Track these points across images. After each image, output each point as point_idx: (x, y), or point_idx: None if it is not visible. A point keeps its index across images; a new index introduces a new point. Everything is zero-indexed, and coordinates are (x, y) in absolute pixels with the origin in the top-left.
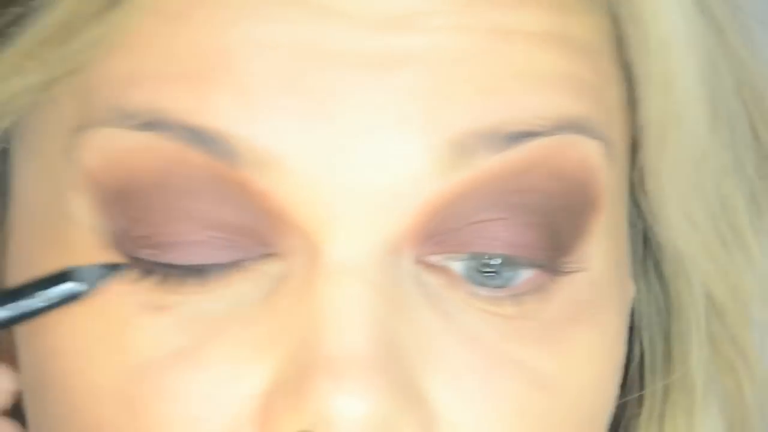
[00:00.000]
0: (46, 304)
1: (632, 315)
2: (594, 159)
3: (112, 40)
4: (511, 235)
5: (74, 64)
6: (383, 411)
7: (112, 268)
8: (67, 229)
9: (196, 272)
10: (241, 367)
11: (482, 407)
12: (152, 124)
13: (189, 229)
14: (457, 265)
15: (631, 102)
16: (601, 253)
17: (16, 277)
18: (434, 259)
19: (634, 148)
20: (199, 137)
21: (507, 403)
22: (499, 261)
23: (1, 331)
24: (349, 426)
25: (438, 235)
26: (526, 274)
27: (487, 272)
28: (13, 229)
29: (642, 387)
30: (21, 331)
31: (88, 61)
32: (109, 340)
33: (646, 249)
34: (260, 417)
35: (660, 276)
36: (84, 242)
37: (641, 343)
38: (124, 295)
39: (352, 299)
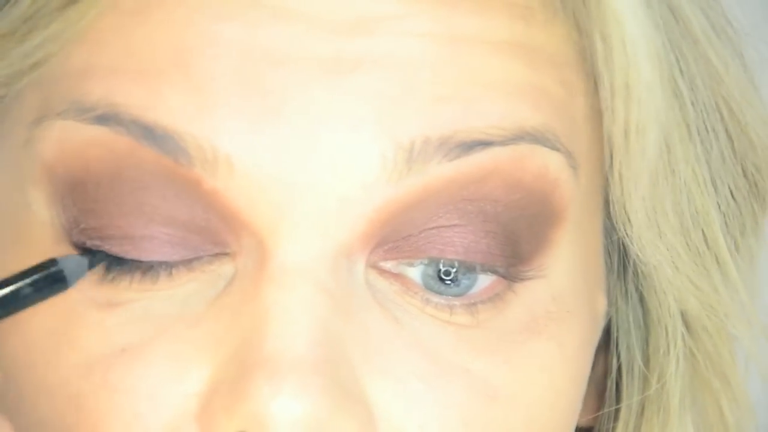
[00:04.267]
0: (31, 291)
1: (610, 328)
2: (555, 170)
3: (72, 35)
4: (466, 241)
5: (35, 59)
6: (319, 413)
7: (95, 257)
8: (26, 222)
9: (145, 269)
10: (183, 366)
11: (428, 413)
12: (106, 118)
13: (139, 223)
14: (413, 272)
15: (600, 113)
16: (565, 264)
17: None
18: (388, 264)
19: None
20: (150, 134)
21: (453, 411)
22: (455, 268)
23: None
24: (283, 428)
25: (392, 241)
26: (483, 282)
27: (445, 280)
28: None
29: (618, 401)
30: None
31: (49, 56)
32: (59, 335)
33: (623, 263)
34: (200, 416)
35: (638, 289)
36: (40, 235)
37: (618, 357)
38: (74, 290)
39: (296, 301)
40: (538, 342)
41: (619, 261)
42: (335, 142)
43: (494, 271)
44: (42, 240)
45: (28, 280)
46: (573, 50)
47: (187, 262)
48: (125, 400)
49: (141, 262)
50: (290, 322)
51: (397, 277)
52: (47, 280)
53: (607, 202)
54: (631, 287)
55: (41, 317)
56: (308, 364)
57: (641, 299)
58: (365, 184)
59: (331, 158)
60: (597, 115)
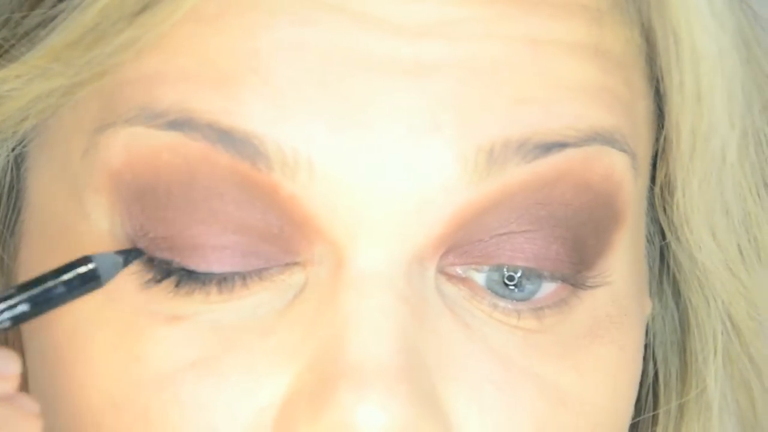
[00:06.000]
0: (64, 290)
1: (646, 333)
2: (620, 172)
3: (143, 44)
4: (535, 247)
5: (102, 68)
6: (405, 421)
7: (129, 255)
8: (84, 231)
9: (216, 281)
10: (259, 378)
11: (501, 420)
12: (179, 123)
13: (212, 233)
14: (479, 277)
15: (655, 117)
16: (623, 267)
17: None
18: (456, 269)
19: (654, 162)
20: (227, 138)
21: (526, 417)
22: (519, 273)
23: (17, 325)
24: None
25: (463, 246)
26: (548, 288)
27: (509, 284)
28: (25, 234)
29: (656, 406)
30: (31, 338)
31: (117, 65)
32: (125, 350)
33: (662, 266)
34: (278, 427)
35: (676, 294)
36: (100, 244)
37: (654, 362)
38: (139, 304)
39: (377, 308)
40: (601, 346)
41: (658, 265)
42: (416, 145)
43: (562, 279)
44: (102, 249)
45: (61, 279)
46: (636, 53)
47: (258, 272)
48: (200, 414)
49: (212, 274)
50: (372, 329)
51: (465, 281)
52: (81, 278)
53: (649, 205)
54: (667, 291)
55: (104, 332)
56: (393, 373)
57: (677, 303)
58: (445, 186)
59: (411, 161)
60: (652, 118)
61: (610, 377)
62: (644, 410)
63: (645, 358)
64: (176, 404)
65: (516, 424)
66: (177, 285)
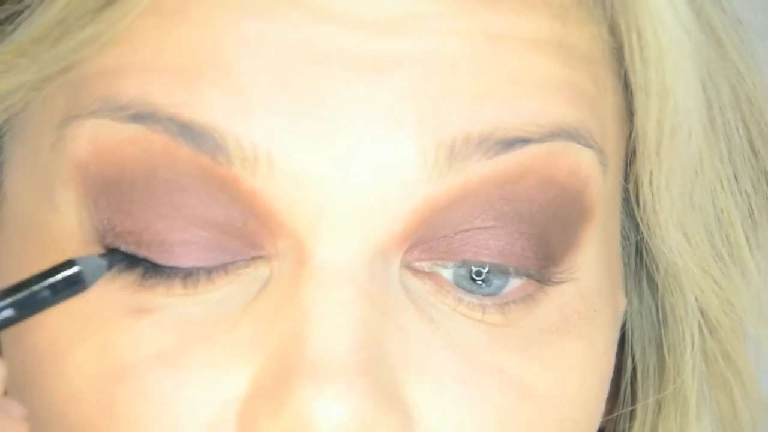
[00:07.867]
0: (49, 294)
1: (624, 328)
2: (587, 168)
3: (106, 39)
4: (501, 244)
5: (67, 63)
6: (363, 415)
7: (113, 259)
8: (54, 225)
9: (182, 275)
10: (221, 372)
11: (464, 414)
12: (141, 116)
13: (177, 227)
14: (446, 272)
15: (627, 112)
16: (592, 264)
17: (4, 274)
18: (422, 264)
19: (629, 158)
20: (187, 132)
21: (489, 411)
22: (487, 268)
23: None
24: (327, 430)
25: (427, 241)
26: (514, 283)
27: (477, 280)
28: (1, 227)
29: (634, 401)
30: (4, 336)
31: (82, 59)
32: (90, 342)
33: (639, 262)
34: (240, 421)
35: (654, 289)
36: (70, 237)
37: (633, 357)
38: (105, 296)
39: (337, 303)
40: (568, 341)
41: (635, 261)
42: (376, 140)
43: (527, 275)
44: (71, 243)
45: (46, 283)
46: (603, 49)
47: (223, 267)
48: (163, 407)
49: (178, 268)
50: (331, 324)
51: (431, 276)
52: (66, 282)
53: (624, 201)
54: (645, 287)
55: (71, 324)
56: (351, 367)
57: (655, 299)
58: (405, 182)
59: (371, 156)
60: (622, 114)
61: (577, 372)
62: (622, 405)
63: (623, 353)
64: (140, 396)
65: (480, 418)
66: (143, 276)
